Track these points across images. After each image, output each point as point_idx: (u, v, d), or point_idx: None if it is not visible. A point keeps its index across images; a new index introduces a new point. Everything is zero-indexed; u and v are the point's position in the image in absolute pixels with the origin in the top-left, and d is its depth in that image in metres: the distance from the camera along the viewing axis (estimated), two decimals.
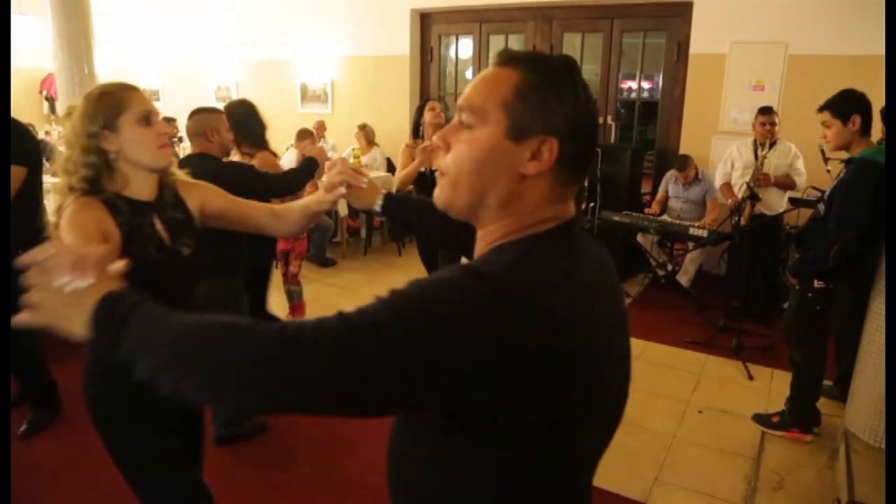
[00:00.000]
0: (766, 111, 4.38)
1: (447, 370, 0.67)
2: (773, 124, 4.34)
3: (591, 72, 6.28)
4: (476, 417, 0.72)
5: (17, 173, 2.68)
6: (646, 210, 5.31)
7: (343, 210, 5.87)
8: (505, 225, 0.82)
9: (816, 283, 2.82)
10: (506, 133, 0.78)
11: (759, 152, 4.40)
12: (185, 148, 6.04)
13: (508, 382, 0.68)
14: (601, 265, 0.85)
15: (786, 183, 4.40)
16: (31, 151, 2.84)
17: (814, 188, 4.33)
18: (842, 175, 2.77)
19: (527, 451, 0.75)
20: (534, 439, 0.74)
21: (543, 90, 0.78)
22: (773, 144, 4.36)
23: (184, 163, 2.76)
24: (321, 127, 6.54)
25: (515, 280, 0.71)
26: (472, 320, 0.67)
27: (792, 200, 4.53)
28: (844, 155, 2.82)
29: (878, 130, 2.92)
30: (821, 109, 2.82)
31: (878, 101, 2.81)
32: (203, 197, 1.65)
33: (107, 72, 5.66)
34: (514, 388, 0.68)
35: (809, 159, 4.25)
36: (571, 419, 0.75)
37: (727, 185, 4.71)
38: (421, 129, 3.71)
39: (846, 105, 2.75)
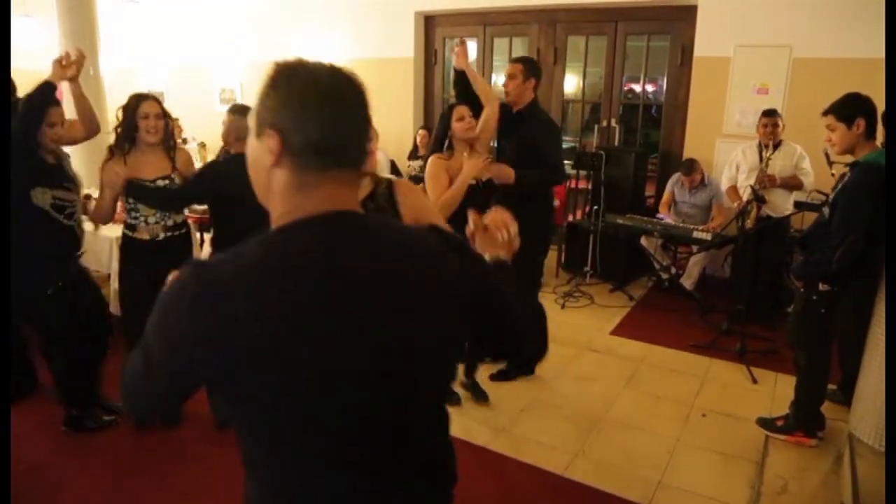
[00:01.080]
0: (769, 113, 4.40)
1: (174, 352, 0.83)
2: (775, 126, 4.34)
3: (595, 74, 6.27)
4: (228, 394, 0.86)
5: None
6: (655, 214, 5.30)
7: None
8: (270, 214, 0.92)
9: (821, 287, 2.81)
10: (255, 133, 0.90)
11: (764, 154, 4.40)
12: (192, 149, 6.07)
13: (199, 356, 0.82)
14: (350, 267, 0.86)
15: (793, 184, 4.40)
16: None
17: (818, 192, 4.32)
18: (846, 178, 2.76)
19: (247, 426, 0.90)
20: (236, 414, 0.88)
21: (266, 89, 0.88)
22: (777, 146, 4.35)
23: (232, 163, 2.71)
24: None
25: (200, 269, 0.83)
26: (172, 308, 0.83)
27: (797, 204, 4.52)
28: (849, 158, 2.81)
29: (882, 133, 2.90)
30: (825, 113, 2.81)
31: (881, 104, 2.79)
32: (419, 210, 1.66)
33: (110, 72, 5.69)
34: (199, 360, 0.82)
35: (814, 162, 4.25)
36: (243, 393, 0.83)
37: (733, 189, 4.71)
38: (449, 140, 3.10)
39: (850, 108, 2.73)
